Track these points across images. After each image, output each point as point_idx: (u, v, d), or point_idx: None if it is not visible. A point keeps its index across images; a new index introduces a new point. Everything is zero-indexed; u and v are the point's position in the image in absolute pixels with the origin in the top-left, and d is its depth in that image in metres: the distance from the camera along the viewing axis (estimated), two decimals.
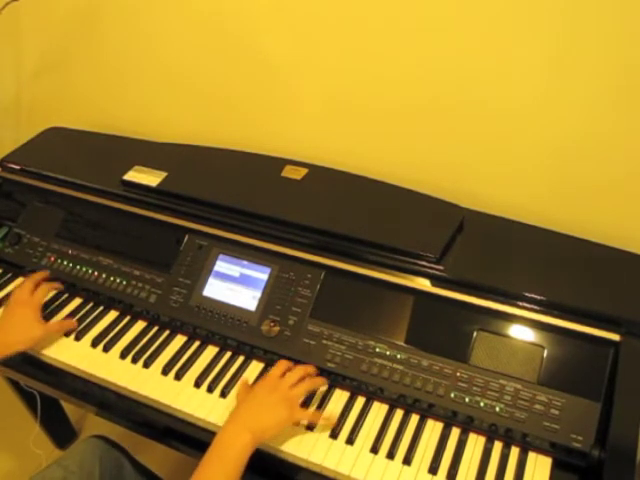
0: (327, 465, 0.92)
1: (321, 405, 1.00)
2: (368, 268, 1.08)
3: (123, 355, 1.10)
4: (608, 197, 1.12)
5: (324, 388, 1.03)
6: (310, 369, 1.01)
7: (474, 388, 0.95)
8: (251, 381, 1.05)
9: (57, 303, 1.21)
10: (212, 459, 0.85)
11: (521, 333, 0.98)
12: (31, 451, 1.52)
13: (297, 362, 1.04)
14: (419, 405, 0.98)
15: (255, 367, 1.08)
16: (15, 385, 1.46)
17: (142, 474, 1.15)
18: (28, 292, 1.14)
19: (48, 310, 1.19)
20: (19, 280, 1.27)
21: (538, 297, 0.99)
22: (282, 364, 1.00)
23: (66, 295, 1.23)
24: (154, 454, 1.33)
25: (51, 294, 1.22)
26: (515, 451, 0.94)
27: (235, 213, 1.18)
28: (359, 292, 1.07)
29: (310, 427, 0.97)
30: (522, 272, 1.05)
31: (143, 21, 1.39)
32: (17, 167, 1.39)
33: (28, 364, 1.12)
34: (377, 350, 1.02)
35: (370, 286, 1.07)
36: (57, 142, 1.50)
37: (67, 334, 1.14)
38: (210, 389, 1.04)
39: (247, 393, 0.96)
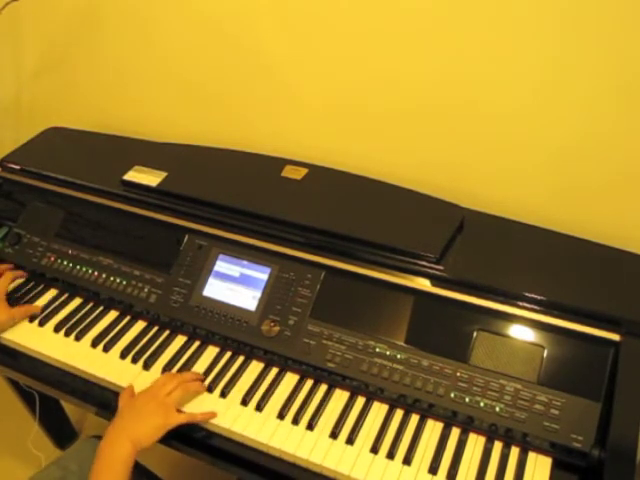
0: (327, 465, 0.92)
1: (320, 406, 1.00)
2: (368, 268, 1.08)
3: (123, 355, 1.10)
4: (608, 197, 1.12)
5: (323, 389, 1.04)
6: (187, 376, 1.03)
7: (474, 388, 0.95)
8: (249, 383, 1.05)
9: (57, 303, 1.21)
10: (101, 470, 0.89)
11: (521, 333, 0.98)
12: (31, 451, 1.52)
13: (297, 362, 1.05)
14: (419, 405, 0.98)
15: (255, 367, 1.08)
16: (15, 385, 1.46)
17: (141, 474, 1.15)
18: None
19: (48, 310, 1.19)
20: (19, 280, 1.27)
21: (538, 297, 0.99)
22: (164, 376, 1.03)
23: (66, 295, 1.23)
24: (154, 454, 1.32)
25: (51, 294, 1.23)
26: (515, 451, 0.94)
27: (235, 213, 1.18)
28: (359, 292, 1.07)
29: (310, 427, 0.97)
30: (522, 272, 1.05)
31: (143, 21, 1.39)
32: (17, 167, 1.39)
33: (27, 364, 1.12)
34: (377, 350, 1.02)
35: (370, 286, 1.07)
36: (57, 142, 1.50)
37: (67, 334, 1.14)
38: (210, 389, 1.04)
39: (128, 399, 0.99)
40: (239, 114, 1.42)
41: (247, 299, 1.11)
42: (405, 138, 1.25)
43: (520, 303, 1.00)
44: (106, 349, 1.11)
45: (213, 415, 0.99)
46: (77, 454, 1.10)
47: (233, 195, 1.21)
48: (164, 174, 1.28)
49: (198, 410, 0.99)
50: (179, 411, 0.98)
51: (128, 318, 1.18)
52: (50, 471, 1.06)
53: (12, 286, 1.26)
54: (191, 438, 0.99)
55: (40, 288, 1.25)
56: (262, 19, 1.24)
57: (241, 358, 1.10)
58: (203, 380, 1.05)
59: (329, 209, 1.18)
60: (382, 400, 1.01)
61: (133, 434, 0.91)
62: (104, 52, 1.49)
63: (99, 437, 1.13)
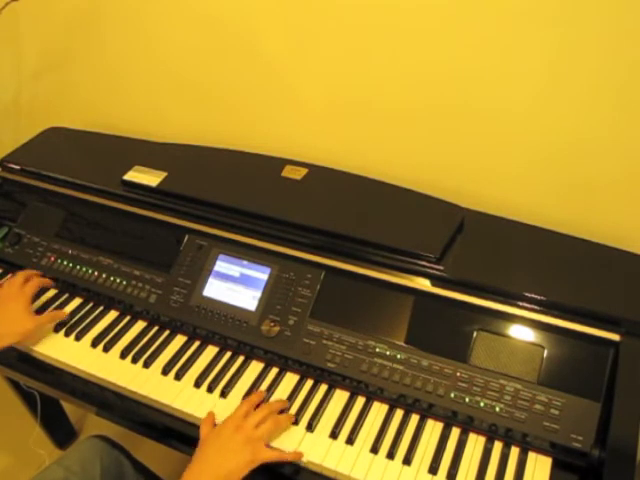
0: (327, 465, 0.92)
1: (320, 406, 1.01)
2: (368, 268, 1.08)
3: (123, 355, 1.10)
4: (608, 197, 1.12)
5: (323, 389, 1.04)
6: (275, 406, 0.98)
7: (474, 388, 0.95)
8: (249, 383, 1.05)
9: (57, 303, 1.21)
10: None
11: (521, 333, 0.98)
12: (32, 451, 1.52)
13: (297, 362, 1.05)
14: (419, 405, 0.98)
15: (255, 367, 1.08)
16: (15, 385, 1.46)
17: (142, 474, 1.15)
18: (18, 286, 1.14)
19: (48, 310, 1.19)
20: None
21: (538, 297, 0.99)
22: (247, 403, 0.97)
23: (66, 295, 1.23)
24: (154, 454, 1.33)
25: (51, 294, 1.23)
26: (515, 451, 0.94)
27: (235, 213, 1.18)
28: (359, 292, 1.07)
29: (310, 427, 0.97)
30: (522, 272, 1.05)
31: (143, 21, 1.39)
32: (17, 167, 1.39)
33: (28, 364, 1.12)
34: (377, 350, 1.02)
35: (370, 286, 1.07)
36: (57, 142, 1.51)
37: (67, 334, 1.14)
38: (210, 389, 1.04)
39: (210, 429, 0.94)
40: (239, 114, 1.42)
41: (247, 299, 1.11)
42: (405, 138, 1.25)
43: (520, 303, 1.00)
44: (106, 349, 1.11)
45: (302, 455, 0.92)
46: (79, 454, 1.09)
47: (233, 195, 1.21)
48: (164, 174, 1.28)
49: (197, 409, 0.99)
50: (267, 446, 0.92)
51: (128, 318, 1.18)
52: (52, 471, 1.05)
53: None
54: (187, 437, 0.99)
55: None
56: (263, 19, 1.24)
57: (241, 358, 1.10)
58: (289, 408, 0.99)
59: (329, 209, 1.18)
60: (382, 400, 1.01)
61: (218, 471, 0.85)
62: (104, 52, 1.49)
63: (101, 437, 1.14)
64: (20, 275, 1.17)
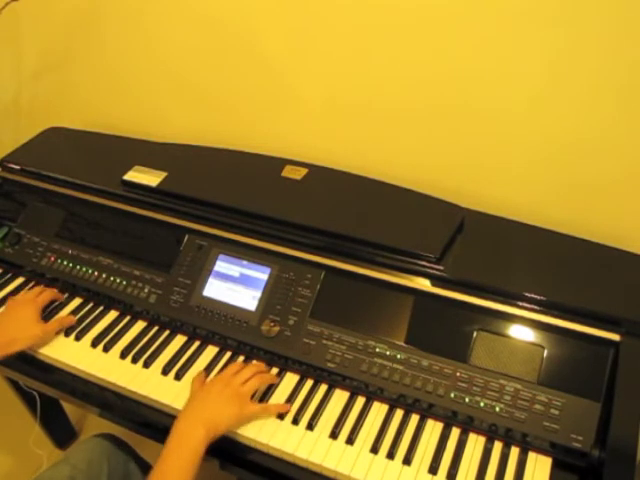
0: (327, 465, 0.92)
1: (320, 406, 1.00)
2: (368, 268, 1.08)
3: (123, 355, 1.10)
4: (608, 197, 1.12)
5: (323, 389, 1.04)
6: (261, 366, 1.05)
7: (474, 388, 0.95)
8: None
9: (57, 303, 1.21)
10: (169, 454, 0.87)
11: (521, 333, 0.98)
12: (31, 451, 1.52)
13: (297, 362, 1.05)
14: (419, 405, 0.98)
15: None
16: (15, 385, 1.46)
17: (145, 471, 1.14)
18: (31, 296, 1.17)
19: (49, 310, 1.19)
20: (19, 280, 1.28)
21: (538, 297, 0.99)
22: (236, 364, 1.04)
23: (66, 295, 1.23)
24: (155, 454, 1.32)
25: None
26: (515, 451, 0.94)
27: (235, 213, 1.18)
28: (359, 292, 1.07)
29: (310, 427, 0.97)
30: (522, 272, 1.05)
31: (143, 21, 1.39)
32: (17, 167, 1.39)
33: (28, 364, 1.12)
34: (377, 350, 1.02)
35: (370, 286, 1.07)
36: (57, 142, 1.51)
37: (67, 334, 1.14)
38: None
39: (201, 385, 1.00)
40: (239, 114, 1.42)
41: (247, 299, 1.11)
42: (405, 138, 1.25)
43: (520, 303, 0.99)
44: (106, 349, 1.11)
45: (287, 407, 0.99)
46: (86, 453, 1.08)
47: (233, 195, 1.21)
48: (164, 174, 1.28)
49: None
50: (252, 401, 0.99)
51: (128, 318, 1.18)
52: (59, 469, 1.05)
53: (12, 287, 1.26)
54: None
55: None
56: (263, 19, 1.24)
57: (241, 358, 1.10)
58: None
59: (329, 209, 1.18)
60: (382, 400, 1.01)
61: (208, 421, 0.91)
62: (104, 52, 1.49)
63: (108, 435, 1.13)
64: (36, 288, 1.22)
